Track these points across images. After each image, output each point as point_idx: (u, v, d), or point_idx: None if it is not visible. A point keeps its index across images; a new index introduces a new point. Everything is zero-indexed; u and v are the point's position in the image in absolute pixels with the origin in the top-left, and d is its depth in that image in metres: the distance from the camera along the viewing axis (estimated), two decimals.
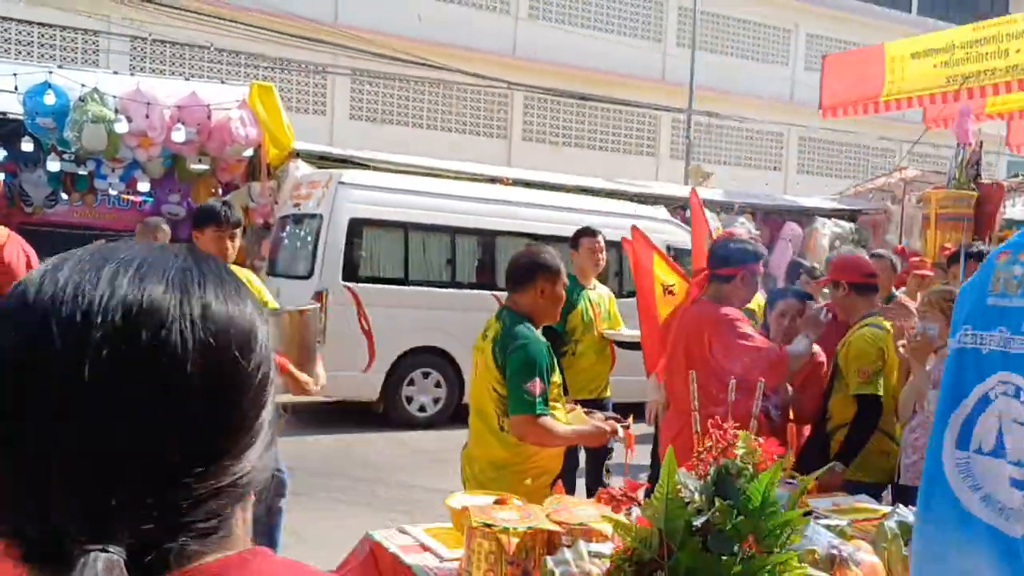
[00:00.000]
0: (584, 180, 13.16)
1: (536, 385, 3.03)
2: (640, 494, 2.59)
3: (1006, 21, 10.40)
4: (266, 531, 4.50)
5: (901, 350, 3.59)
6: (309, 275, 8.22)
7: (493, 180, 11.63)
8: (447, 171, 11.71)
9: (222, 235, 4.11)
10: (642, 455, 6.80)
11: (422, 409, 8.59)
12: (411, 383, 8.51)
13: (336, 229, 8.24)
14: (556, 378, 3.25)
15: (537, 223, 9.08)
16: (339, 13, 19.53)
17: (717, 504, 1.63)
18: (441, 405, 8.63)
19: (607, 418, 3.40)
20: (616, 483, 5.69)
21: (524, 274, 3.25)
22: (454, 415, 8.60)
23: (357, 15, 19.25)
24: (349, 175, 8.75)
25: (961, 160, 11.18)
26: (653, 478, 3.24)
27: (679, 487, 1.65)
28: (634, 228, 4.24)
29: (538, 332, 3.21)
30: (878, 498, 3.62)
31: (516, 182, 11.73)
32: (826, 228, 14.62)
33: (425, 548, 2.79)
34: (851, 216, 15.43)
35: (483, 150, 19.82)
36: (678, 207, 13.24)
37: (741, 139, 25.38)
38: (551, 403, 3.15)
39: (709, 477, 1.67)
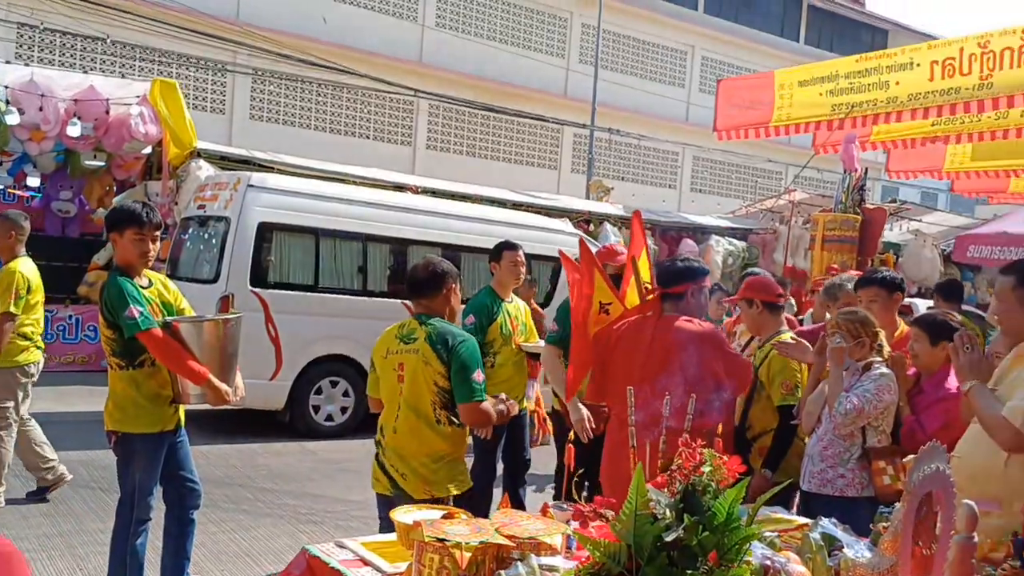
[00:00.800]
0: (493, 191, 13.27)
1: (479, 375, 3.45)
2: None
3: (887, 55, 10.94)
4: (178, 542, 4.36)
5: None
6: (215, 279, 8.00)
7: (399, 188, 11.60)
8: (352, 176, 11.60)
9: (144, 237, 3.98)
10: (544, 465, 6.93)
11: (329, 418, 8.46)
12: (319, 392, 8.38)
13: (244, 233, 8.04)
14: None
15: (449, 233, 9.10)
16: (241, 10, 19.10)
17: (686, 520, 1.71)
18: (349, 415, 8.53)
19: (505, 400, 3.69)
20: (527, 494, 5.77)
21: (435, 281, 3.62)
22: (361, 425, 8.52)
23: (260, 13, 18.88)
24: (258, 178, 8.55)
25: (848, 185, 11.81)
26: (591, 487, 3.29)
27: (650, 502, 1.72)
28: (581, 242, 4.35)
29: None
30: (789, 500, 3.83)
31: (424, 191, 11.74)
32: (720, 245, 15.19)
33: (365, 562, 2.78)
34: (743, 235, 16.07)
35: (386, 156, 19.69)
36: (581, 220, 13.53)
37: (639, 156, 26.08)
38: None
39: (678, 494, 1.75)
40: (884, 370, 3.75)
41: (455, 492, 3.51)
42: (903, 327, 4.52)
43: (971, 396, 2.94)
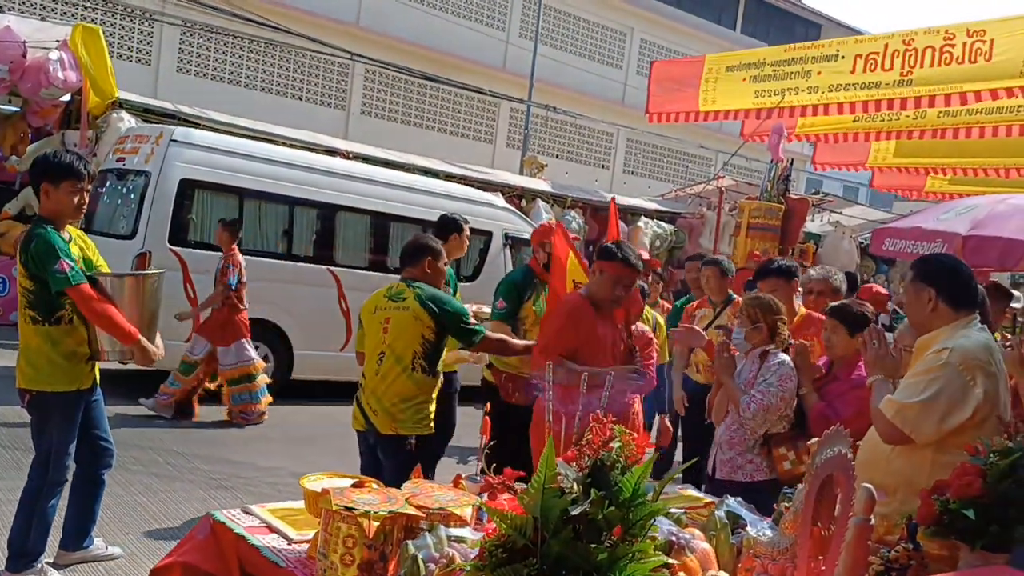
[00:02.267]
0: (427, 161, 13.12)
1: (472, 319, 4.11)
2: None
3: (815, 46, 11.14)
4: (85, 502, 4.24)
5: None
6: (132, 235, 7.73)
7: (331, 152, 11.38)
8: (282, 137, 11.33)
9: (80, 190, 3.90)
10: (468, 437, 6.92)
11: None
12: None
13: (165, 189, 7.79)
14: None
15: (379, 200, 8.97)
16: None
17: (592, 494, 1.72)
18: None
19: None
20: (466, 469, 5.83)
21: (416, 254, 4.16)
22: (282, 391, 8.38)
23: None
24: (182, 132, 8.27)
25: (773, 175, 12.04)
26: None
27: (559, 476, 1.73)
28: (559, 225, 4.63)
29: None
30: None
31: (356, 156, 11.53)
32: (648, 228, 15.35)
33: (272, 529, 2.75)
34: (671, 218, 16.28)
35: (320, 119, 19.29)
36: (514, 196, 13.50)
37: (574, 135, 26.12)
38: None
39: (586, 468, 1.76)
40: (783, 357, 3.87)
41: (420, 433, 3.98)
42: (802, 311, 4.74)
43: (872, 390, 3.06)
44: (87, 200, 3.99)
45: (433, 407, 4.10)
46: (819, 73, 10.52)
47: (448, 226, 5.66)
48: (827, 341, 3.97)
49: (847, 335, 3.89)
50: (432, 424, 4.10)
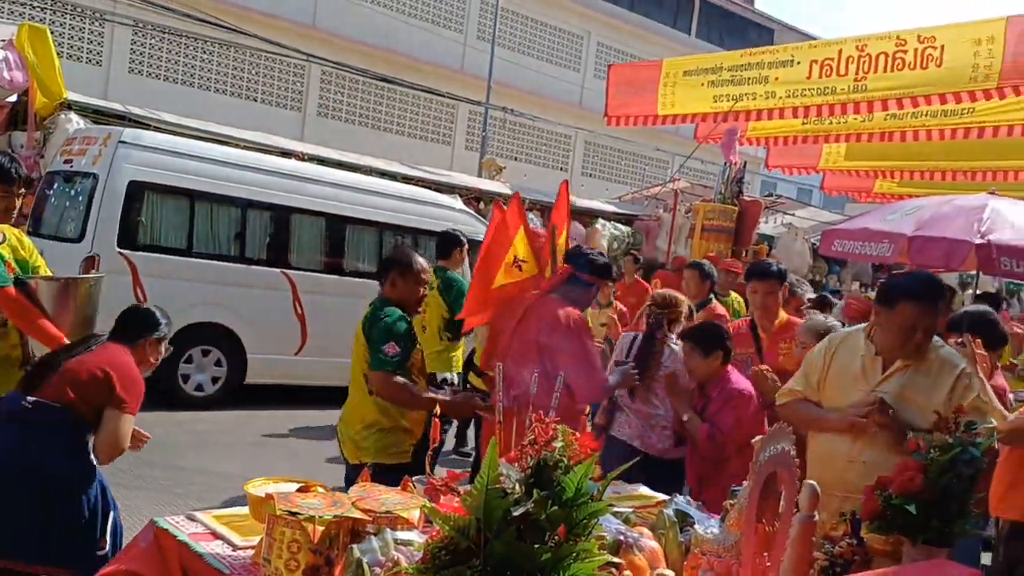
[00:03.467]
0: (383, 163, 13.06)
1: (392, 348, 3.59)
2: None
3: (770, 51, 11.25)
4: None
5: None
6: (80, 238, 7.56)
7: (286, 153, 11.26)
8: (236, 139, 11.19)
9: (9, 194, 3.76)
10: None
11: (199, 388, 8.15)
12: (189, 360, 8.07)
13: (113, 191, 7.62)
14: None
15: (334, 203, 8.88)
16: None
17: (535, 495, 1.71)
18: (220, 385, 8.23)
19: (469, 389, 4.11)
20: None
21: (382, 268, 4.01)
22: (234, 396, 8.27)
23: None
24: (131, 134, 8.12)
25: (727, 177, 12.17)
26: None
27: (501, 477, 1.72)
28: (516, 195, 4.52)
29: (400, 312, 3.74)
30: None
31: (311, 158, 11.43)
32: (606, 230, 15.43)
33: (216, 536, 2.70)
34: (628, 220, 16.38)
35: (274, 121, 19.08)
36: (472, 198, 13.48)
37: (532, 137, 26.18)
38: (415, 378, 3.74)
39: (528, 468, 1.75)
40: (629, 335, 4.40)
41: (384, 462, 3.60)
42: (783, 316, 4.79)
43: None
44: (16, 205, 3.83)
45: (401, 435, 3.74)
46: (776, 79, 10.64)
47: (452, 242, 6.07)
48: (688, 366, 4.10)
49: (702, 356, 4.02)
50: (405, 452, 3.74)
